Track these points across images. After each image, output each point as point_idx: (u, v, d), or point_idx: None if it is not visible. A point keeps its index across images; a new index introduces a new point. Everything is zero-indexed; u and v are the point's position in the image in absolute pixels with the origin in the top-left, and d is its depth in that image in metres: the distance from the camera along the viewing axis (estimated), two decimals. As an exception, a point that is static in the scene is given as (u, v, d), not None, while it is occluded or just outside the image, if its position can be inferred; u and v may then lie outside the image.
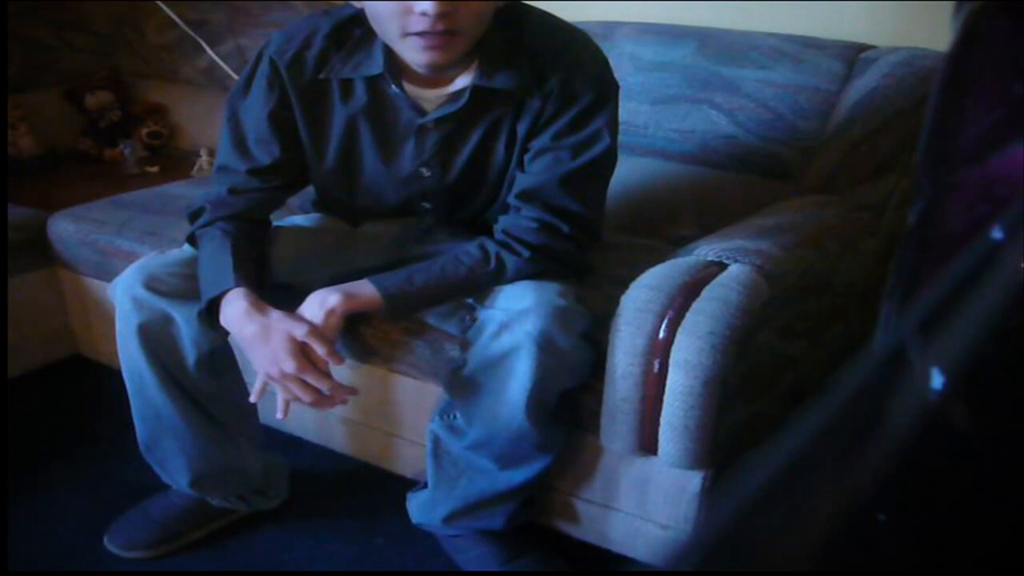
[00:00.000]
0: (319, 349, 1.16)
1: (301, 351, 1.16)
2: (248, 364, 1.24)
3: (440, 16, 1.06)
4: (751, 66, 1.56)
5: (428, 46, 1.09)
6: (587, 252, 1.29)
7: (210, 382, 1.30)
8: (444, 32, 1.08)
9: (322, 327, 1.17)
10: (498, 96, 1.20)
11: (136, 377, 1.30)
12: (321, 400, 1.19)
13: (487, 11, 1.13)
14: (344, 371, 1.42)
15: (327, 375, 1.18)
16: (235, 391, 1.37)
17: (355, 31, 1.21)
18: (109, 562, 1.41)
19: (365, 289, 1.20)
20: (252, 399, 1.23)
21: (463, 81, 1.20)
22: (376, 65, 1.20)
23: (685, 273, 1.17)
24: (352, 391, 1.21)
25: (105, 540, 1.44)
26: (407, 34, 1.09)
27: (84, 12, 2.36)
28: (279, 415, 1.21)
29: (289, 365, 1.15)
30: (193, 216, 1.30)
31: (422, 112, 1.23)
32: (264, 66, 1.25)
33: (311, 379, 1.17)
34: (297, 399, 1.19)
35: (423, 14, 1.06)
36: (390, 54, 1.18)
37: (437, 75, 1.20)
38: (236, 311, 1.19)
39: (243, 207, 1.28)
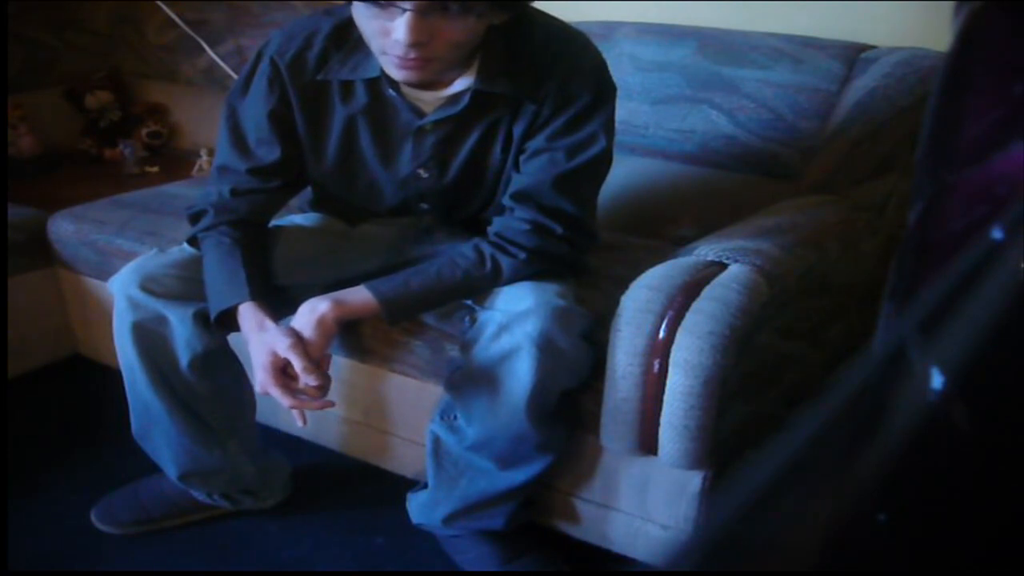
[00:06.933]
0: (297, 364, 1.15)
1: (279, 366, 1.16)
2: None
3: (413, 46, 1.06)
4: (751, 66, 1.56)
5: (401, 66, 1.10)
6: (583, 252, 1.28)
7: (203, 383, 1.30)
8: (418, 57, 1.09)
9: (309, 339, 1.16)
10: (496, 99, 1.20)
11: (129, 372, 1.31)
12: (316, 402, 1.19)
13: (467, 37, 1.11)
14: (344, 371, 1.42)
15: (316, 381, 1.16)
16: (231, 393, 1.37)
17: (354, 32, 1.21)
18: (109, 562, 1.41)
19: (359, 295, 1.20)
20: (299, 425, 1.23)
21: (462, 84, 1.20)
22: (374, 68, 1.20)
23: (685, 273, 1.17)
24: (328, 404, 1.18)
25: (92, 511, 1.48)
26: (384, 52, 1.11)
27: (84, 12, 2.36)
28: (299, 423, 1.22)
29: (260, 378, 1.17)
30: (194, 218, 1.30)
31: (420, 114, 1.23)
32: (264, 65, 1.25)
33: (279, 394, 1.16)
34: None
35: (396, 41, 1.07)
36: None
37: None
38: (245, 326, 1.21)
39: (246, 211, 1.28)
